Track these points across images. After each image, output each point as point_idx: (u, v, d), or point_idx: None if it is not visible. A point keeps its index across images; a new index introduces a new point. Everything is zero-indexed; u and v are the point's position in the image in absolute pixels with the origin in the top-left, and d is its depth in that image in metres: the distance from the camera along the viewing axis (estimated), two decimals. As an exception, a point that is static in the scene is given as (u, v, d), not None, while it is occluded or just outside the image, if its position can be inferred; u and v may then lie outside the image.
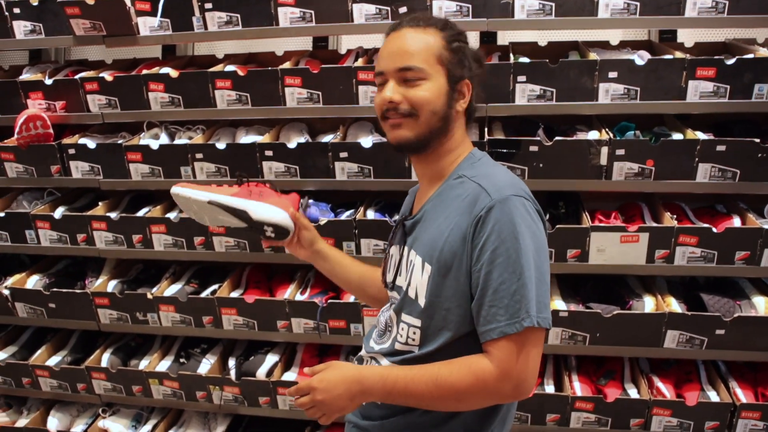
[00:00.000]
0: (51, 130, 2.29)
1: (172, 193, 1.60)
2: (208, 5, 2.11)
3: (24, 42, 2.31)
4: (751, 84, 1.86)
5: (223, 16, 2.11)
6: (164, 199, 2.44)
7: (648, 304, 2.03)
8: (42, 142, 2.29)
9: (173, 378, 2.30)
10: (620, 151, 1.94)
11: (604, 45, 2.25)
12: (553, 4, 1.92)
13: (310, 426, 2.40)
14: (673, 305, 2.02)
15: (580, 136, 2.06)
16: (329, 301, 2.17)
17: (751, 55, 1.88)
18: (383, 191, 2.27)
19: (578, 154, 1.96)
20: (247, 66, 2.32)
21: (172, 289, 2.33)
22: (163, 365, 2.37)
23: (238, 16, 2.10)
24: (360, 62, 2.13)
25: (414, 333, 1.31)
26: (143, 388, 2.36)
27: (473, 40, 2.48)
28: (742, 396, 2.03)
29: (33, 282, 2.45)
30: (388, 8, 2.01)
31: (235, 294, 2.32)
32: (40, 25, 2.27)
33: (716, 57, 1.86)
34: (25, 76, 2.43)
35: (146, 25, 2.18)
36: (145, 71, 2.24)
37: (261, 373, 2.25)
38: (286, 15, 2.07)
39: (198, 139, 2.27)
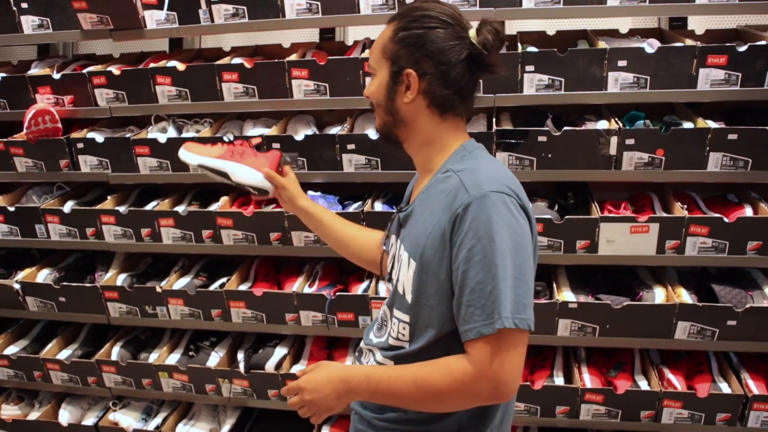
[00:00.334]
0: (59, 125, 2.29)
1: (179, 155, 1.77)
2: (215, -3, 2.11)
3: (32, 37, 2.31)
4: (764, 71, 1.83)
5: (229, 9, 2.11)
6: (172, 193, 2.44)
7: (658, 295, 2.01)
8: (51, 137, 2.30)
9: (182, 371, 2.31)
10: (630, 141, 1.92)
11: (613, 33, 2.22)
12: (561, -7, 1.90)
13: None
14: (684, 296, 2.00)
15: (589, 125, 2.04)
16: (337, 293, 2.17)
17: (763, 42, 1.85)
18: (391, 183, 2.26)
19: (587, 144, 1.94)
20: (253, 58, 2.31)
21: (180, 283, 2.33)
22: (173, 358, 2.38)
23: (245, 8, 2.09)
24: (367, 53, 2.12)
25: (404, 329, 1.31)
26: (153, 381, 2.37)
27: (481, 30, 2.46)
28: (754, 387, 2.00)
29: (43, 276, 2.47)
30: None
31: (243, 287, 2.32)
32: (48, 19, 2.27)
33: (727, 44, 1.84)
34: (34, 71, 2.44)
35: (153, 19, 2.18)
36: (152, 65, 2.23)
37: (270, 366, 2.26)
38: (293, 6, 2.06)
39: (205, 132, 2.26)
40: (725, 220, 1.91)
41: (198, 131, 2.29)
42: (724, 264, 1.98)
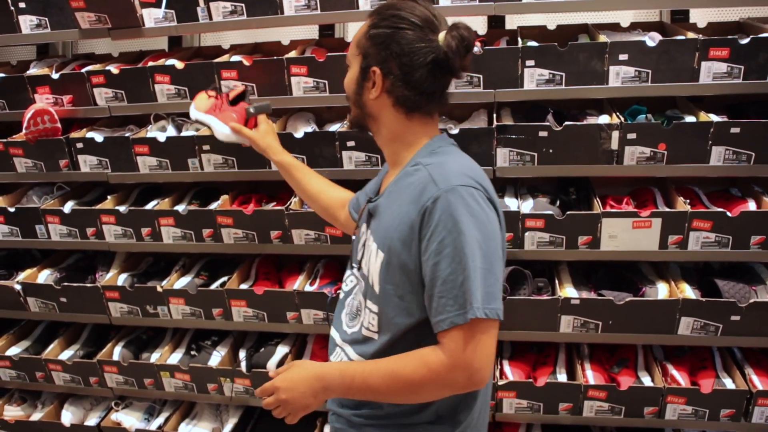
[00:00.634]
0: (59, 125, 2.29)
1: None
2: (213, -5, 2.09)
3: (30, 37, 2.30)
4: (766, 64, 1.81)
5: (227, 6, 2.09)
6: (173, 192, 2.44)
7: (661, 290, 2.00)
8: (50, 137, 2.29)
9: (184, 370, 2.30)
10: (631, 135, 1.90)
11: (614, 27, 2.21)
12: (562, -14, 1.89)
13: (321, 417, 2.40)
14: (687, 291, 1.99)
15: (591, 120, 2.02)
16: (338, 291, 2.16)
17: (765, 35, 1.82)
18: (391, 180, 2.25)
19: (588, 138, 1.93)
20: (252, 56, 2.30)
21: (181, 282, 2.33)
22: (175, 358, 2.38)
23: (243, 5, 2.08)
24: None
25: (373, 319, 1.33)
26: (155, 381, 2.36)
27: (481, 24, 2.45)
28: (759, 383, 1.99)
29: (44, 277, 2.46)
30: (395, -6, 1.98)
31: (244, 286, 2.32)
32: (46, 19, 2.26)
33: (730, 37, 1.82)
34: (32, 71, 2.43)
35: (151, 17, 2.16)
36: (150, 63, 2.23)
37: (271, 365, 2.25)
38: (291, 3, 2.05)
39: (205, 130, 2.25)
40: (728, 214, 1.89)
41: (197, 129, 2.28)
42: (728, 259, 1.96)
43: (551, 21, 2.35)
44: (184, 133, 2.27)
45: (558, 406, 2.08)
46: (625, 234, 1.95)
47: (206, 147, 2.17)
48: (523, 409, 2.09)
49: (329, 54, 2.04)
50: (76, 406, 2.54)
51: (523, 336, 2.08)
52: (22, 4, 2.25)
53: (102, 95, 2.25)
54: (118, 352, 2.41)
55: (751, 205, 1.97)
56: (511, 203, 2.09)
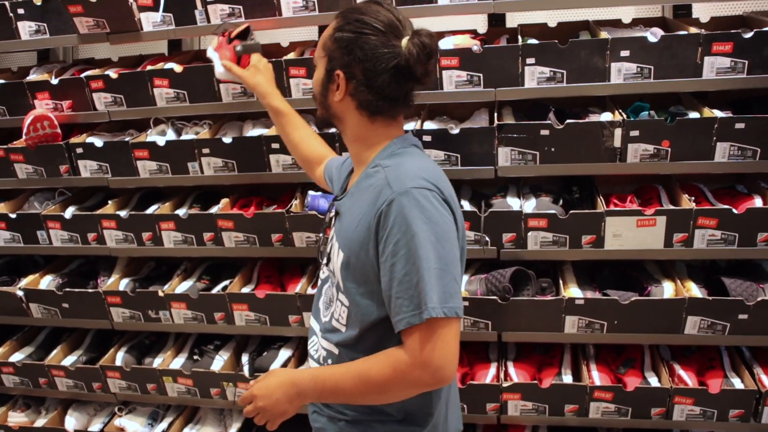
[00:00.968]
0: (58, 130, 2.28)
1: None
2: (210, -3, 2.09)
3: (29, 43, 2.30)
4: (771, 58, 1.79)
5: (225, 9, 2.08)
6: (173, 196, 2.43)
7: (667, 289, 1.97)
8: (50, 142, 2.29)
9: (187, 375, 2.29)
10: (634, 133, 1.87)
11: (615, 23, 2.18)
12: (561, -18, 1.87)
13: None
14: (693, 290, 1.96)
15: (593, 118, 2.00)
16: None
17: (769, 28, 1.80)
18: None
19: (591, 136, 1.90)
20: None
21: (183, 286, 2.32)
22: (177, 362, 2.37)
23: (241, 7, 2.07)
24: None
25: (344, 312, 1.38)
26: (157, 386, 2.35)
27: (479, 22, 2.43)
28: (768, 382, 1.96)
29: (46, 282, 2.46)
30: (393, -6, 1.97)
31: (246, 289, 2.30)
32: (45, 24, 2.26)
33: (733, 31, 1.79)
34: (32, 77, 2.43)
35: (149, 21, 2.16)
36: (149, 67, 2.22)
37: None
38: (289, 4, 2.04)
39: (205, 134, 2.25)
40: (734, 211, 1.86)
41: (197, 133, 2.27)
42: (734, 256, 1.93)
43: (552, 18, 2.33)
44: (183, 137, 2.27)
45: (564, 407, 2.05)
46: (630, 233, 1.93)
47: (206, 150, 2.16)
48: (528, 411, 2.07)
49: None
50: (79, 412, 2.53)
51: (528, 337, 2.06)
52: (20, 10, 2.25)
53: (101, 100, 2.24)
54: (120, 357, 2.40)
55: (758, 202, 1.94)
56: (514, 203, 2.07)
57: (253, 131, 2.25)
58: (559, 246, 1.98)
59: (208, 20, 2.11)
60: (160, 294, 2.26)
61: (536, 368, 2.15)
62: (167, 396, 2.37)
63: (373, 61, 1.26)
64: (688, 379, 1.99)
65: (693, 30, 1.86)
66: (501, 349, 2.23)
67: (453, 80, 1.96)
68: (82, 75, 2.25)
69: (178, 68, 2.14)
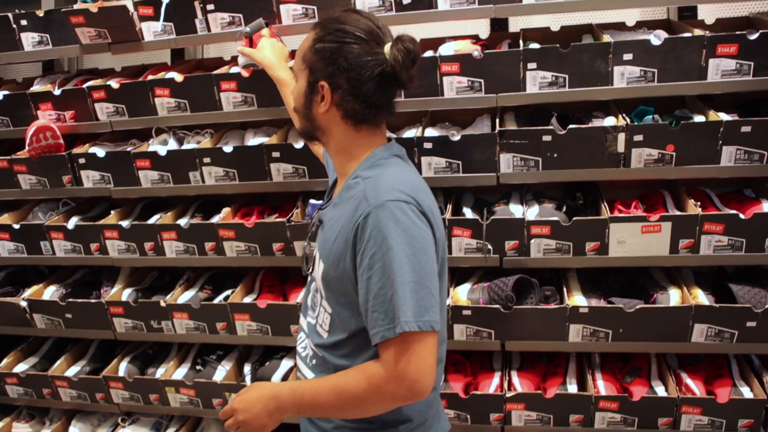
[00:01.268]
0: (61, 141, 2.29)
1: None
2: (210, 6, 2.08)
3: (33, 54, 2.32)
4: (777, 60, 1.75)
5: (225, 17, 2.09)
6: (176, 205, 2.42)
7: (673, 296, 1.93)
8: (53, 153, 2.29)
9: (189, 386, 2.28)
10: (638, 137, 1.84)
11: (619, 26, 2.15)
12: (563, -14, 1.84)
13: None
14: (700, 297, 1.92)
15: (597, 123, 1.97)
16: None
17: (775, 29, 1.77)
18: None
19: (594, 142, 1.87)
20: (254, 67, 2.28)
21: (185, 296, 2.31)
22: (180, 373, 2.36)
23: (241, 16, 2.07)
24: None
25: (327, 318, 1.39)
26: (160, 396, 2.34)
27: (482, 27, 2.41)
28: (779, 391, 1.91)
29: (50, 293, 2.46)
30: (392, 0, 1.96)
31: (248, 299, 2.29)
32: (47, 35, 2.27)
33: (738, 32, 1.76)
34: (36, 88, 2.44)
35: (150, 30, 2.17)
36: (150, 77, 2.22)
37: (276, 379, 2.21)
38: (289, 12, 2.04)
39: (206, 143, 2.24)
40: (741, 216, 1.83)
41: (199, 142, 2.27)
42: (741, 262, 1.89)
43: (555, 22, 2.31)
44: (185, 146, 2.26)
45: (569, 417, 2.01)
46: (634, 239, 1.89)
47: (207, 160, 2.15)
48: (532, 421, 2.03)
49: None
50: (83, 423, 2.53)
51: (531, 346, 2.03)
52: (23, 22, 2.27)
53: (103, 110, 2.25)
54: (123, 367, 2.39)
55: (766, 207, 1.90)
56: (516, 210, 2.04)
57: (254, 140, 2.24)
58: (562, 253, 1.95)
59: (209, 29, 2.11)
60: (162, 304, 2.26)
61: (541, 377, 2.12)
62: (170, 406, 2.36)
63: (358, 70, 1.27)
64: (696, 388, 1.95)
65: (697, 32, 1.83)
66: (505, 359, 2.20)
67: (454, 86, 1.94)
68: (84, 85, 2.25)
69: (178, 77, 2.14)
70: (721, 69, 1.79)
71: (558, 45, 1.85)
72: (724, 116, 1.85)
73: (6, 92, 2.34)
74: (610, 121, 1.92)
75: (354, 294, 1.28)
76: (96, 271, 2.63)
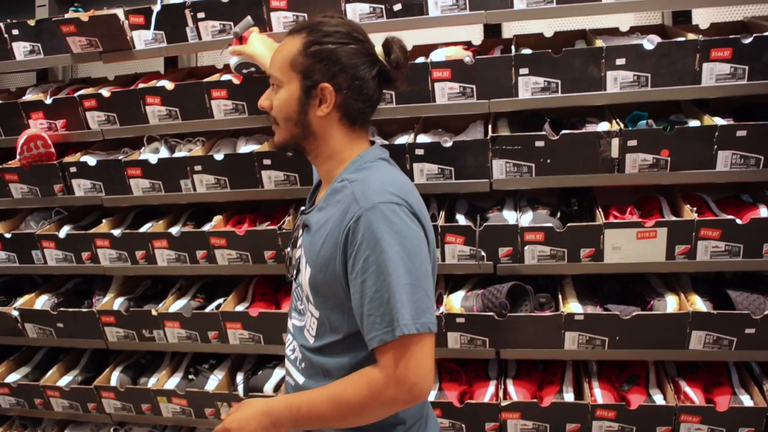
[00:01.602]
0: (52, 149, 2.28)
1: None
2: (201, 15, 2.07)
3: (24, 63, 2.31)
4: (772, 63, 1.73)
5: (216, 25, 2.08)
6: (167, 214, 2.41)
7: (670, 303, 1.90)
8: (44, 162, 2.28)
9: (181, 395, 2.25)
10: (632, 142, 1.82)
11: (613, 32, 2.13)
12: (555, -8, 1.83)
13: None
14: (698, 304, 1.89)
15: (591, 128, 1.95)
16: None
17: (769, 33, 1.75)
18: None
19: (587, 147, 1.85)
20: (247, 68, 2.26)
21: (177, 305, 2.29)
22: (172, 382, 2.33)
23: (231, 24, 2.06)
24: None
25: (314, 323, 1.37)
26: (152, 406, 2.31)
27: (477, 33, 2.40)
28: (779, 399, 1.88)
29: (42, 302, 2.44)
30: (382, 6, 1.94)
31: (240, 307, 2.27)
32: (39, 45, 2.26)
33: (732, 36, 1.74)
34: (28, 97, 2.43)
35: (141, 39, 2.16)
36: (141, 85, 2.21)
37: (268, 389, 2.19)
38: (279, 19, 2.02)
39: (197, 151, 2.23)
40: (738, 221, 1.80)
41: (190, 150, 2.25)
42: (739, 268, 1.87)
43: (549, 28, 2.30)
44: (176, 154, 2.25)
45: (565, 426, 1.98)
46: (630, 245, 1.87)
47: (198, 167, 2.14)
48: (528, 430, 2.00)
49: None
50: (76, 433, 2.51)
51: (526, 354, 2.00)
52: (15, 31, 2.26)
53: (95, 119, 2.24)
54: (115, 377, 2.37)
55: (763, 212, 1.87)
56: (510, 216, 2.02)
57: (246, 147, 2.22)
58: (557, 260, 1.93)
59: (200, 37, 2.10)
60: (154, 313, 2.23)
61: (537, 386, 2.09)
62: (162, 416, 2.33)
63: (360, 69, 1.29)
64: (695, 396, 1.92)
65: (691, 36, 1.81)
66: (501, 367, 2.17)
67: (445, 92, 1.93)
68: (76, 94, 2.24)
69: (169, 85, 2.13)
70: (715, 73, 1.77)
71: (550, 50, 1.83)
72: (719, 121, 1.83)
73: (-2, 101, 2.34)
74: (603, 127, 1.90)
75: (344, 298, 1.26)
76: (89, 280, 2.61)
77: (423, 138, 2.08)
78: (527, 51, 1.93)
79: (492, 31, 2.35)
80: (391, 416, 1.32)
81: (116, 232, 2.24)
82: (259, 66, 1.93)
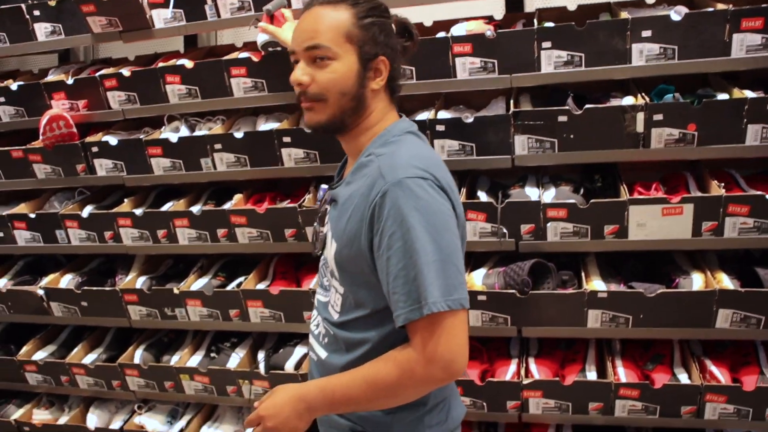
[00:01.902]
0: (74, 129, 2.29)
1: None
2: (219, -8, 2.06)
3: (46, 44, 2.32)
4: (806, 33, 1.67)
5: (235, 2, 2.06)
6: (188, 193, 2.42)
7: (696, 281, 1.87)
8: (66, 142, 2.30)
9: (203, 373, 2.27)
10: (658, 116, 1.78)
11: (638, 4, 2.08)
12: (577, -38, 1.79)
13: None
14: (725, 281, 1.85)
15: (615, 103, 1.91)
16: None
17: (803, 1, 1.69)
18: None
19: (612, 122, 1.81)
20: (273, 46, 2.25)
21: (199, 284, 2.30)
22: (194, 360, 2.36)
23: (250, 1, 2.04)
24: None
25: (338, 299, 1.35)
26: (175, 383, 2.34)
27: (499, 8, 2.36)
28: (808, 378, 1.84)
29: (66, 281, 2.47)
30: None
31: (261, 286, 2.28)
32: (60, 25, 2.27)
33: (764, 5, 1.68)
34: (50, 78, 2.45)
35: (160, 17, 2.15)
36: (161, 64, 2.21)
37: (289, 366, 2.20)
38: (298, -5, 2.01)
39: (217, 129, 2.23)
40: (767, 197, 1.75)
41: (210, 129, 2.26)
42: (768, 245, 1.82)
43: (572, 1, 2.25)
44: (197, 133, 2.25)
45: (588, 405, 1.96)
46: (655, 222, 1.83)
47: (218, 146, 2.14)
48: (550, 408, 1.99)
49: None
50: (101, 410, 2.54)
51: (548, 332, 1.98)
52: (36, 12, 2.27)
53: (115, 98, 2.24)
54: (139, 355, 2.40)
55: (794, 188, 1.82)
56: (532, 193, 1.99)
57: (266, 125, 2.22)
58: (580, 237, 1.90)
59: (218, 15, 2.09)
60: (176, 291, 2.25)
61: (559, 364, 2.07)
62: (185, 394, 2.36)
63: (398, 42, 1.33)
64: (721, 375, 1.89)
65: (720, 6, 1.76)
66: (523, 345, 2.15)
67: (466, 67, 1.90)
68: (97, 74, 2.25)
69: (189, 64, 2.12)
70: (745, 44, 1.72)
71: (573, 23, 1.79)
72: (750, 93, 1.78)
73: (20, 83, 2.36)
74: (628, 101, 1.86)
75: (369, 274, 1.25)
76: (112, 260, 2.64)
77: (444, 114, 2.06)
78: (550, 24, 1.89)
79: (514, 5, 2.30)
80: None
81: (138, 212, 2.26)
82: (286, 47, 1.91)
